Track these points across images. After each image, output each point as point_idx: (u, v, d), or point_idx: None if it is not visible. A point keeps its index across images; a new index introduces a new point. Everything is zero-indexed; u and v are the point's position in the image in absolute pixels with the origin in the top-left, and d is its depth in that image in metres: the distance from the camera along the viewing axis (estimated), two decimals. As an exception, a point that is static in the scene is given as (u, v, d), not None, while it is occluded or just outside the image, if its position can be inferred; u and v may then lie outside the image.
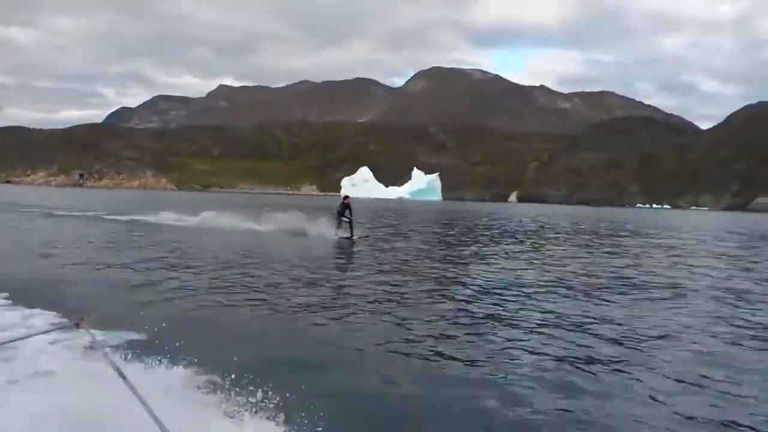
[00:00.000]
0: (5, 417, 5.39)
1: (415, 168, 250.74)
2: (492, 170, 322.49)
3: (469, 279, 16.31)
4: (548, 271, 18.39)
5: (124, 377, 3.79)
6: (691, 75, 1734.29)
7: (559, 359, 8.59)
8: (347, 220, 28.63)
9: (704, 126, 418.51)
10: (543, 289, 14.67)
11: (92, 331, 4.20)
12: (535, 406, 6.91)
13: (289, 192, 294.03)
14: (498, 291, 14.24)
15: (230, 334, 9.38)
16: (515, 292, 14.03)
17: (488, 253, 23.83)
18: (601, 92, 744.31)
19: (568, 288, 15.01)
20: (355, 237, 28.21)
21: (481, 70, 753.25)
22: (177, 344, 7.57)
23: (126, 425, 4.29)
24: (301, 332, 9.86)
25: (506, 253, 23.81)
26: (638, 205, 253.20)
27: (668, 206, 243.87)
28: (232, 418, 5.73)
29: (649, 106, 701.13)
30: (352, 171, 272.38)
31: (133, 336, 8.22)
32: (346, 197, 30.09)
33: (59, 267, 15.98)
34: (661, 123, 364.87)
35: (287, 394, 6.09)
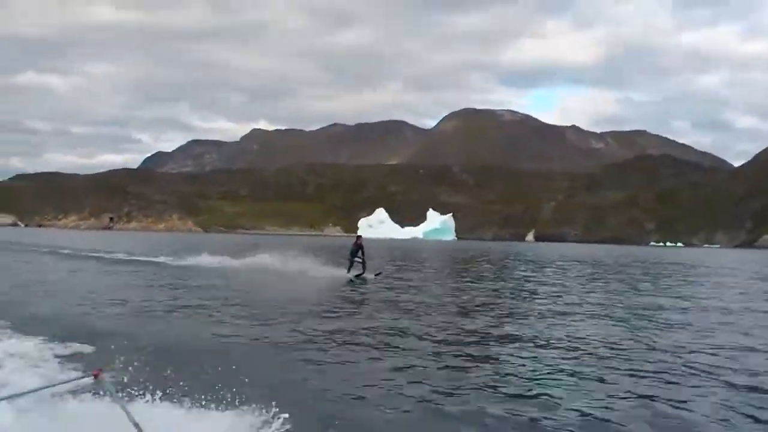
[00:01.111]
0: None
1: (430, 209, 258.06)
2: (510, 209, 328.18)
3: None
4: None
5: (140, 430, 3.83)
6: (727, 112, 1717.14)
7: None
8: (360, 260, 30.13)
9: (738, 164, 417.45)
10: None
11: (111, 382, 4.15)
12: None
13: (313, 233, 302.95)
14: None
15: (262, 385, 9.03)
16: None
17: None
18: (635, 131, 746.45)
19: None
20: (367, 275, 29.74)
21: (511, 111, 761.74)
22: (198, 395, 7.79)
23: None
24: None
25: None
26: (652, 243, 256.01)
27: (681, 244, 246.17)
28: None
29: (683, 144, 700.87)
30: (373, 212, 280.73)
31: (157, 389, 8.11)
32: (359, 237, 31.89)
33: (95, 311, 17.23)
34: (681, 160, 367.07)
35: None
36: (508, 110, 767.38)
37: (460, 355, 12.15)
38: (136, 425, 3.75)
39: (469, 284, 30.45)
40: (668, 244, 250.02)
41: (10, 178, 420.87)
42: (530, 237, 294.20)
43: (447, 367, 11.06)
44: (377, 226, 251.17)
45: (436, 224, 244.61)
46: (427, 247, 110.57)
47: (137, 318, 15.83)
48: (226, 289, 23.78)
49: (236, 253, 39.74)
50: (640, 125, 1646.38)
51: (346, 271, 30.54)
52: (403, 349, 12.55)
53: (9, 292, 21.42)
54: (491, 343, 13.74)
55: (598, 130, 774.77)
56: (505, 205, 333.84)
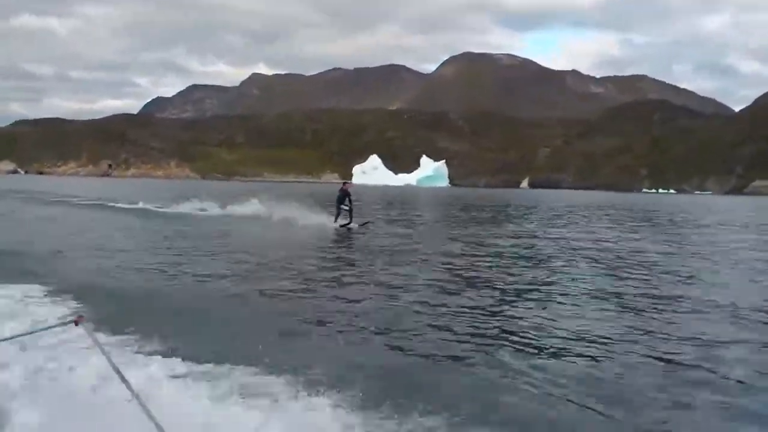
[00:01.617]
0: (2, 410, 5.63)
1: (423, 155, 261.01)
2: (505, 156, 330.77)
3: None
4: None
5: (121, 376, 3.89)
6: (732, 56, 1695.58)
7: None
8: (347, 208, 28.57)
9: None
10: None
11: (91, 328, 4.22)
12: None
13: (311, 180, 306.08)
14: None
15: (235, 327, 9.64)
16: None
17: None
18: (635, 76, 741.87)
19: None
20: (354, 225, 28.30)
21: (511, 55, 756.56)
22: (174, 339, 8.10)
23: (122, 423, 4.55)
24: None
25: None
26: (644, 190, 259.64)
27: (673, 191, 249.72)
28: (227, 412, 5.97)
29: (685, 89, 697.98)
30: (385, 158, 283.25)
31: (136, 335, 8.31)
32: (345, 183, 30.40)
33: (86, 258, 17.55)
34: (676, 106, 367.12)
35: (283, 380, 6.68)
36: (507, 54, 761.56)
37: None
38: (117, 371, 3.90)
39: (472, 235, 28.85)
40: (660, 190, 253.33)
41: (10, 124, 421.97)
42: (524, 184, 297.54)
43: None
44: (371, 172, 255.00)
45: (430, 171, 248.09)
46: (421, 194, 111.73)
47: (120, 269, 15.64)
48: (206, 239, 23.42)
49: (226, 200, 38.56)
50: (642, 69, 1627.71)
51: (333, 219, 28.80)
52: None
53: None
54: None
55: (598, 75, 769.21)
56: (501, 152, 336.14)
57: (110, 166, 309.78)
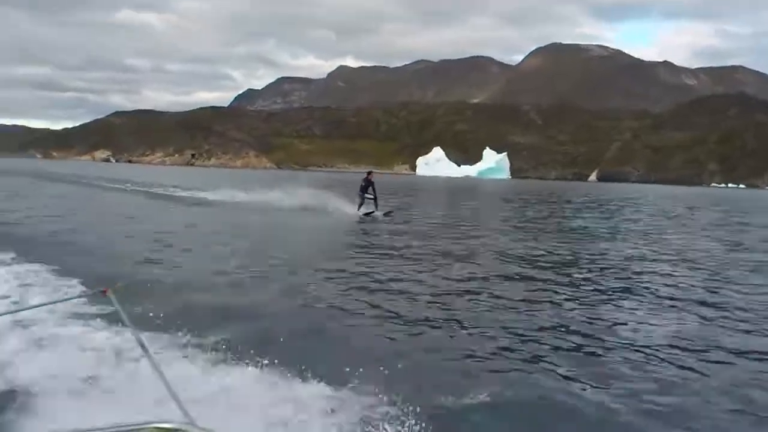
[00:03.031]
0: (26, 377, 5.80)
1: (487, 147, 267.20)
2: (577, 149, 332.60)
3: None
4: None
5: (144, 348, 3.95)
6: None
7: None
8: (371, 197, 28.84)
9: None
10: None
11: (118, 300, 4.33)
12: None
13: (382, 171, 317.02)
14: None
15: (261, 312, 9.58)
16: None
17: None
18: (731, 67, 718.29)
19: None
20: (378, 214, 28.41)
21: (601, 46, 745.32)
22: (200, 318, 8.33)
23: (142, 395, 4.71)
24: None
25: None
26: (713, 184, 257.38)
27: (743, 186, 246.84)
28: (255, 405, 5.81)
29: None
30: (449, 151, 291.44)
31: (161, 308, 8.36)
32: (370, 173, 30.50)
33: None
34: (755, 100, 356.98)
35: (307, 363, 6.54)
36: (597, 45, 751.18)
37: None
38: (141, 343, 3.92)
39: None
40: (730, 185, 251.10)
41: (108, 115, 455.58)
42: (593, 177, 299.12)
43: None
44: (433, 164, 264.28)
45: (492, 163, 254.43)
46: (471, 186, 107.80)
47: (154, 248, 16.00)
48: (224, 226, 23.19)
49: (253, 189, 37.98)
50: (741, 60, 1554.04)
51: (356, 208, 29.17)
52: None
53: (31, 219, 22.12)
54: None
55: (693, 66, 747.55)
56: (572, 144, 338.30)
57: (193, 155, 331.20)
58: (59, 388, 5.48)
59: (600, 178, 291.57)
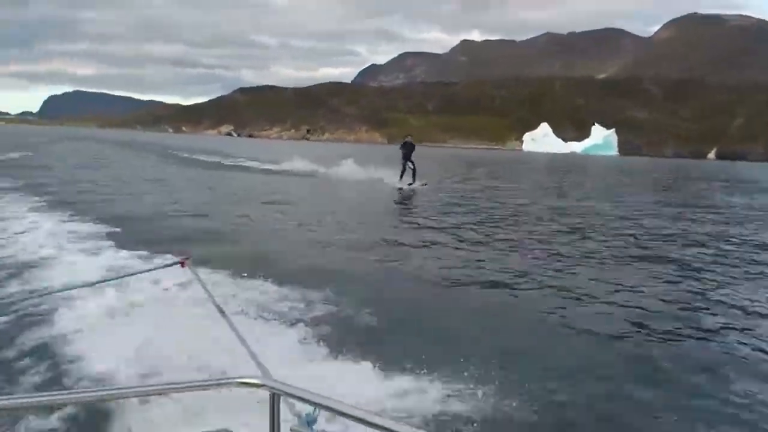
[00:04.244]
0: (110, 346, 6.10)
1: (596, 123, 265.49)
2: (696, 126, 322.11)
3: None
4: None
5: (224, 315, 4.02)
6: None
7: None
8: (412, 167, 28.28)
9: None
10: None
11: (196, 269, 4.43)
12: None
13: (494, 147, 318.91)
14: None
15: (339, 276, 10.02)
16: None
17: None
18: None
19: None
20: (416, 184, 28.01)
21: (744, 15, 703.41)
22: (279, 282, 8.84)
23: (224, 362, 4.80)
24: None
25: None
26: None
27: None
28: (325, 360, 6.23)
29: None
30: (557, 126, 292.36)
31: (239, 275, 9.02)
32: (408, 135, 30.14)
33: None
34: None
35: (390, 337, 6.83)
36: (739, 14, 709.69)
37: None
38: (220, 309, 4.03)
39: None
40: None
41: (234, 91, 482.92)
42: (712, 155, 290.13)
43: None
44: (540, 140, 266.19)
45: (599, 140, 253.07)
46: (565, 163, 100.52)
47: (235, 220, 16.67)
48: (282, 194, 24.39)
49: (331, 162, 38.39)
50: None
51: (398, 177, 28.84)
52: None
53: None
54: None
55: None
56: (694, 121, 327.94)
57: (309, 131, 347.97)
58: (143, 356, 5.78)
59: (719, 156, 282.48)
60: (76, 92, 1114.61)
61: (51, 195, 19.87)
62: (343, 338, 6.74)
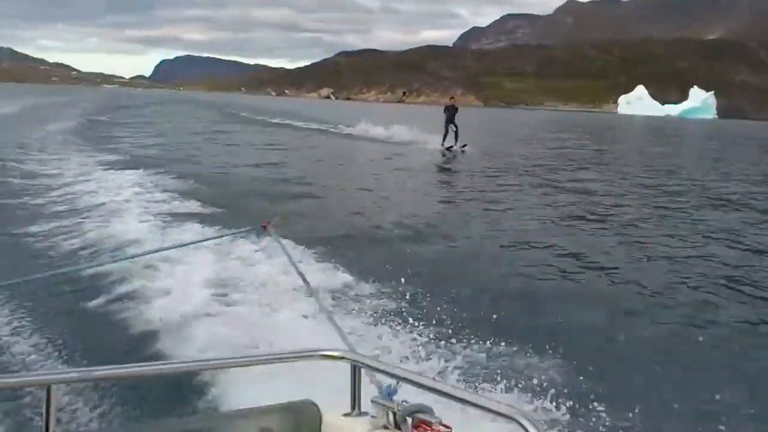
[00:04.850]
0: (192, 315, 6.15)
1: (695, 86, 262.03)
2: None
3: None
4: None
5: (303, 278, 4.15)
6: None
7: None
8: (454, 129, 27.99)
9: None
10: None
11: (278, 233, 4.56)
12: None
13: (592, 110, 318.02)
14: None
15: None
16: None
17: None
18: None
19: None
20: (457, 147, 27.87)
21: None
22: (359, 251, 8.98)
23: (305, 334, 4.97)
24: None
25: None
26: None
27: None
28: (398, 328, 6.01)
29: None
30: (657, 89, 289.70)
31: (320, 239, 8.99)
32: (452, 98, 30.43)
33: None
34: None
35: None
36: None
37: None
38: (300, 273, 4.14)
39: None
40: None
41: (336, 54, 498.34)
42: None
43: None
44: (635, 103, 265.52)
45: (697, 103, 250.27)
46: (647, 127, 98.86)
47: (312, 183, 17.30)
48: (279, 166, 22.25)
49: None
50: None
51: (441, 141, 28.73)
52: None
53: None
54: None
55: None
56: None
57: (404, 93, 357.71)
58: (226, 321, 5.85)
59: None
60: (186, 57, 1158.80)
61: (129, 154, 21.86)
62: (429, 316, 6.33)
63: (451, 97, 31.65)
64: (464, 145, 28.19)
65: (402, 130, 34.80)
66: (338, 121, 49.21)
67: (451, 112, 28.39)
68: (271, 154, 24.77)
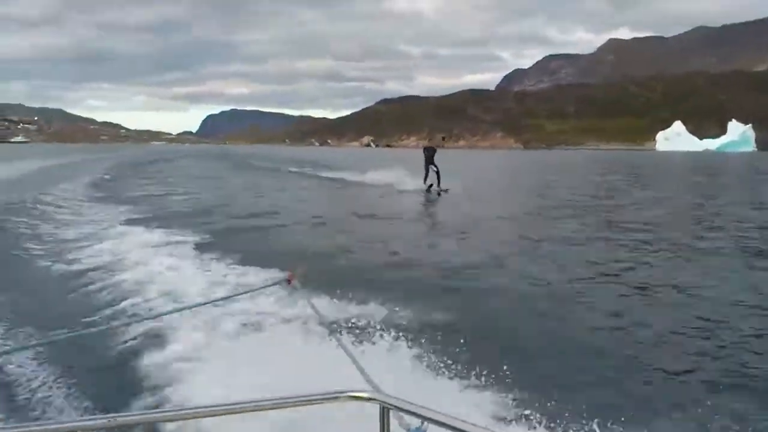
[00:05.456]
0: (221, 365, 6.25)
1: (733, 119, 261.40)
2: None
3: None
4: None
5: (333, 333, 4.21)
6: None
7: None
8: (435, 169, 28.44)
9: None
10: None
11: (303, 286, 4.55)
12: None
13: (634, 148, 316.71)
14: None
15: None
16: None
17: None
18: None
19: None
20: (437, 188, 28.33)
21: None
22: (385, 300, 8.67)
23: (333, 378, 4.36)
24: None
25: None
26: None
27: None
28: (442, 378, 6.03)
29: None
30: (695, 124, 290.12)
31: (346, 294, 8.76)
32: (430, 139, 30.69)
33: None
34: None
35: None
36: None
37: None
38: (328, 326, 4.25)
39: None
40: None
41: (377, 102, 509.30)
42: None
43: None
44: (673, 138, 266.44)
45: (735, 136, 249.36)
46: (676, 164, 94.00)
47: (332, 235, 16.58)
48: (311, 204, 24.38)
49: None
50: None
51: (423, 180, 29.17)
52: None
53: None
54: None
55: None
56: None
57: (443, 138, 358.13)
58: (254, 371, 5.76)
59: None
60: (231, 111, 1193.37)
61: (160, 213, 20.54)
62: (458, 356, 6.41)
63: (429, 139, 34.04)
64: (446, 189, 28.16)
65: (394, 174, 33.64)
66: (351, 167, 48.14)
67: (429, 152, 28.90)
68: (308, 205, 24.44)
